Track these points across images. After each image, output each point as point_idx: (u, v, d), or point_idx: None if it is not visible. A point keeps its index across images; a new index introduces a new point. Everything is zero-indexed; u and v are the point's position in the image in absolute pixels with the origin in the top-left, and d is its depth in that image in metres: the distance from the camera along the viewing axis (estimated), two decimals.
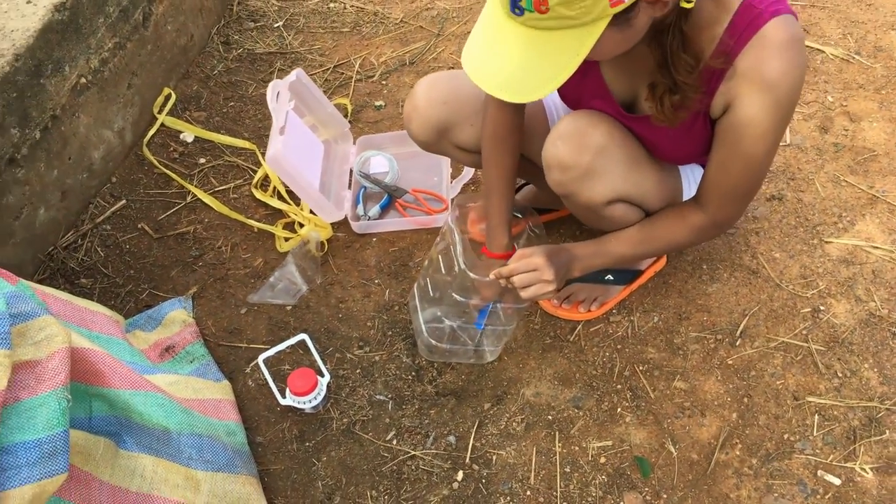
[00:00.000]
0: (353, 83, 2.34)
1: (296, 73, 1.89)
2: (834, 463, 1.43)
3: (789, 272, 1.72)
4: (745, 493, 1.41)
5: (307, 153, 1.94)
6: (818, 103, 2.07)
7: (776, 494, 1.40)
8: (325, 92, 2.30)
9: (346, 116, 2.21)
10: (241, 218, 1.96)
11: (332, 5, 2.65)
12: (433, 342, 1.60)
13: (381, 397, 1.62)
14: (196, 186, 2.05)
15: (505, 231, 1.55)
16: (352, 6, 2.63)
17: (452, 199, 1.92)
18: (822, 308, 1.65)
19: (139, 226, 1.98)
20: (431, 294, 1.63)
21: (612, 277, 1.67)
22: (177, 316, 1.74)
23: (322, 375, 1.62)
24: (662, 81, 1.17)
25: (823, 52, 2.20)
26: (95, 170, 1.98)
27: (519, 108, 1.45)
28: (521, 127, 1.47)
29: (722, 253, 1.77)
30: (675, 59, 1.12)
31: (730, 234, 1.80)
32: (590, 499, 1.43)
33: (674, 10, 1.07)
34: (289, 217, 1.94)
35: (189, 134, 2.18)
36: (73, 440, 1.27)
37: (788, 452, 1.45)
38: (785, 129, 1.21)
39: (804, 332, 1.62)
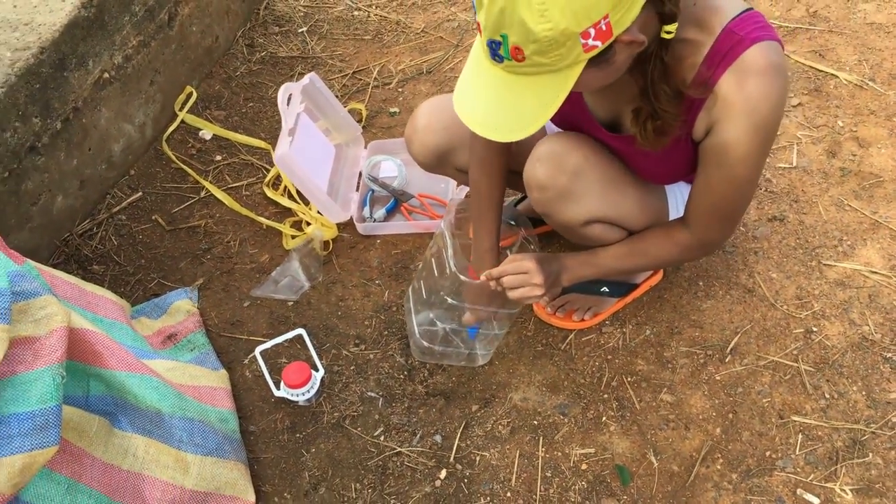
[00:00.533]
0: (370, 89, 2.39)
1: (309, 77, 1.95)
2: (814, 482, 1.44)
3: (785, 292, 1.73)
4: None
5: (317, 155, 1.99)
6: (828, 127, 2.07)
7: None
8: (341, 97, 2.36)
9: (360, 121, 2.26)
10: (250, 214, 2.01)
11: (356, 13, 2.71)
12: (425, 344, 1.63)
13: (373, 394, 1.66)
14: (211, 182, 2.11)
15: (493, 256, 1.57)
16: (375, 14, 2.69)
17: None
18: (814, 329, 1.66)
19: (153, 217, 2.05)
20: (425, 297, 1.66)
21: (607, 289, 1.69)
22: (182, 305, 1.79)
23: (317, 370, 1.66)
24: (645, 108, 1.19)
25: (837, 77, 2.20)
26: (115, 162, 2.05)
27: None
28: (508, 149, 1.51)
29: (719, 270, 1.78)
30: (656, 88, 1.14)
31: (728, 252, 1.82)
32: (568, 503, 1.46)
33: (655, 41, 1.10)
34: (297, 216, 2.00)
35: (207, 132, 2.24)
36: (69, 417, 1.33)
37: (769, 469, 1.46)
38: (766, 152, 1.22)
39: (795, 352, 1.63)
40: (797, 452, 1.48)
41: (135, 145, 2.12)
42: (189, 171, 2.14)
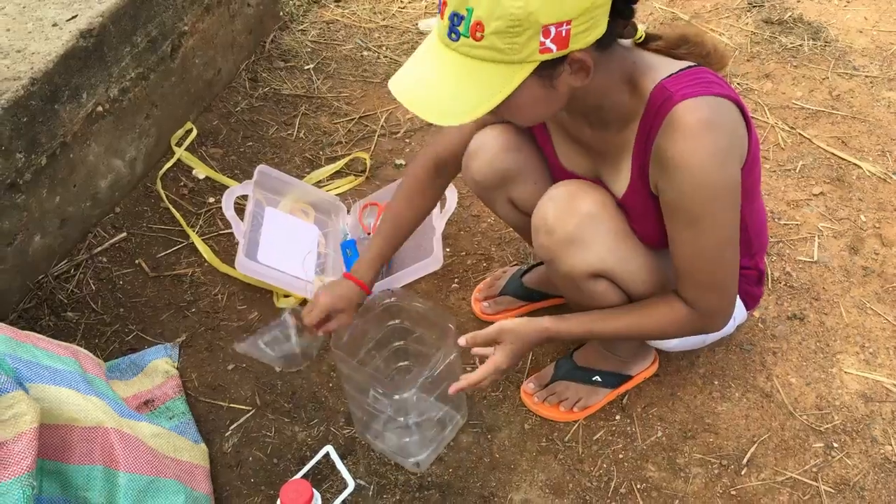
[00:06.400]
0: (376, 137, 2.28)
1: (258, 171, 1.86)
2: None
3: (804, 400, 1.64)
4: None
5: (296, 242, 1.88)
6: (850, 221, 2.00)
7: None
8: (346, 143, 2.25)
9: (363, 171, 2.15)
10: (231, 272, 1.86)
11: (365, 53, 2.61)
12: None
13: (362, 482, 1.53)
14: (202, 226, 1.98)
15: (372, 267, 1.57)
16: (386, 57, 2.59)
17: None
18: (835, 445, 1.56)
19: (136, 261, 1.91)
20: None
21: (599, 379, 1.60)
22: (160, 365, 1.66)
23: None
24: None
25: (860, 167, 2.14)
26: (100, 198, 1.92)
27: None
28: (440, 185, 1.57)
29: (735, 369, 1.69)
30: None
31: (745, 350, 1.72)
32: None
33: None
34: None
35: (201, 171, 2.12)
36: None
37: None
38: (722, 213, 1.17)
39: (814, 469, 1.53)
40: None
41: (123, 181, 1.99)
42: (176, 214, 2.00)
